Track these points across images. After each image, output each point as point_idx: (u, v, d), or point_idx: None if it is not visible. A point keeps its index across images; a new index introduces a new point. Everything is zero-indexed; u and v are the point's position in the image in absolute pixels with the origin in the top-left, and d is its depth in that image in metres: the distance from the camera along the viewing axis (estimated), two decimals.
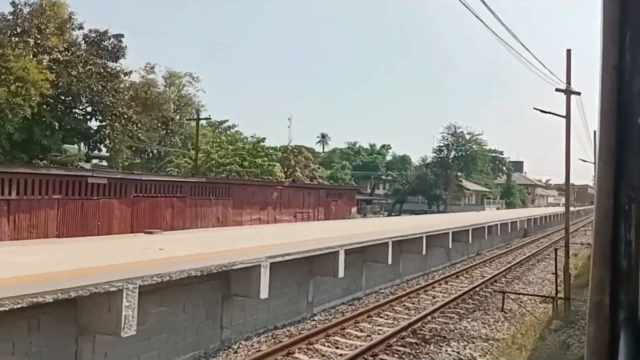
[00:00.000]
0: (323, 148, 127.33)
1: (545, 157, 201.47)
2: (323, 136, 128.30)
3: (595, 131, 31.31)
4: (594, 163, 31.54)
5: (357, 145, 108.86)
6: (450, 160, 70.45)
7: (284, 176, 41.67)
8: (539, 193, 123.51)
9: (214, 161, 36.36)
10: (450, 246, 23.05)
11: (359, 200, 76.72)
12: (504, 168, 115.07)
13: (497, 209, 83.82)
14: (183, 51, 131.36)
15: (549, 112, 13.81)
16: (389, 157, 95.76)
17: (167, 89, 48.48)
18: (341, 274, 13.98)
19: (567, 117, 13.28)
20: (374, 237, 16.97)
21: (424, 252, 20.03)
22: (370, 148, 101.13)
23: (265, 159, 42.76)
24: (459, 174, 70.16)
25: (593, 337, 1.07)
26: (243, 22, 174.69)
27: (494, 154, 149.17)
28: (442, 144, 70.11)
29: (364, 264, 17.72)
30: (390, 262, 17.11)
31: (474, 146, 70.51)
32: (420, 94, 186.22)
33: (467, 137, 69.42)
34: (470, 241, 25.83)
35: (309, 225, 25.93)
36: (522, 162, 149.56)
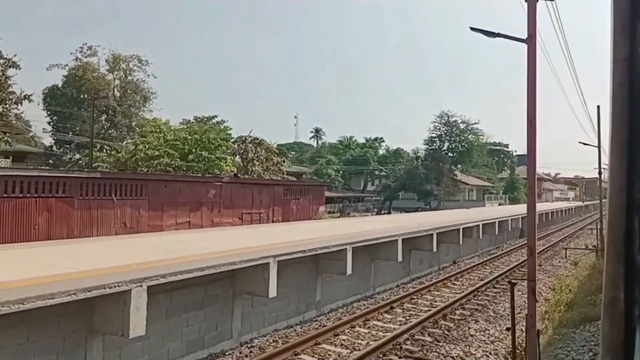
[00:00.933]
0: (317, 143, 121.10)
1: (556, 151, 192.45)
2: (317, 131, 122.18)
3: (598, 106, 24.71)
4: (598, 147, 24.83)
5: (353, 140, 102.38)
6: (443, 152, 63.38)
7: (235, 171, 35.20)
8: (546, 187, 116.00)
9: (142, 154, 29.99)
10: (400, 258, 16.61)
11: (341, 198, 70.24)
12: (509, 161, 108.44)
13: (500, 204, 77.02)
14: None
15: (497, 35, 7.20)
16: (382, 151, 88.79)
17: (111, 74, 42.12)
18: (138, 330, 7.50)
19: (530, 40, 6.67)
20: (264, 255, 10.48)
21: (348, 272, 13.53)
22: (366, 142, 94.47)
23: (218, 151, 36.28)
24: (453, 167, 63.11)
25: (607, 334, 1.05)
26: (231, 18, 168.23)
27: (498, 147, 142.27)
28: (434, 135, 63.12)
29: (235, 297, 11.18)
30: (272, 293, 10.57)
31: (470, 136, 63.35)
32: (420, 85, 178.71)
33: (462, 126, 62.25)
34: (434, 249, 19.28)
35: (218, 233, 19.43)
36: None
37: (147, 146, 30.88)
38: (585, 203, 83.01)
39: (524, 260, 22.21)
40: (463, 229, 22.88)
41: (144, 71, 42.52)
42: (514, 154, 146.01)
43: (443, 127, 63.51)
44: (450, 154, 63.98)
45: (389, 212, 66.83)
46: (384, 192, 67.88)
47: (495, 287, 16.58)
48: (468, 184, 79.87)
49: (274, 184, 34.94)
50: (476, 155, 65.23)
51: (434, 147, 63.87)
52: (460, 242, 22.77)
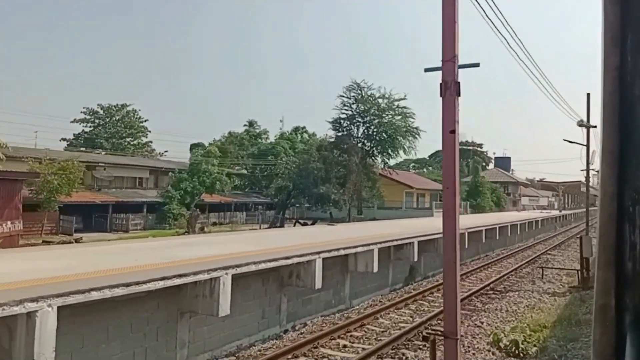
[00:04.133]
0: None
1: (541, 155, 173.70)
2: (251, 124, 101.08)
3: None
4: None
5: (302, 133, 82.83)
6: (357, 139, 43.13)
7: None
8: (524, 193, 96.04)
9: None
10: None
11: (234, 203, 49.74)
12: (472, 161, 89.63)
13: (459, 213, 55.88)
14: None
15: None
16: (302, 144, 68.49)
17: None
18: None
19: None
20: None
21: None
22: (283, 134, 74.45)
23: None
24: (372, 160, 42.87)
25: (599, 341, 1.07)
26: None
27: (469, 147, 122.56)
28: (342, 115, 42.94)
29: None
30: None
31: (396, 118, 43.17)
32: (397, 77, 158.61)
33: (382, 103, 42.08)
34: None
35: None
36: (509, 159, 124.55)
37: None
38: (564, 212, 62.81)
39: None
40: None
41: None
42: (493, 155, 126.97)
43: (356, 105, 43.08)
44: (367, 143, 43.60)
45: (282, 225, 46.29)
46: (276, 195, 47.37)
47: None
48: (412, 187, 59.81)
49: None
50: (406, 144, 44.98)
51: (342, 132, 43.38)
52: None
